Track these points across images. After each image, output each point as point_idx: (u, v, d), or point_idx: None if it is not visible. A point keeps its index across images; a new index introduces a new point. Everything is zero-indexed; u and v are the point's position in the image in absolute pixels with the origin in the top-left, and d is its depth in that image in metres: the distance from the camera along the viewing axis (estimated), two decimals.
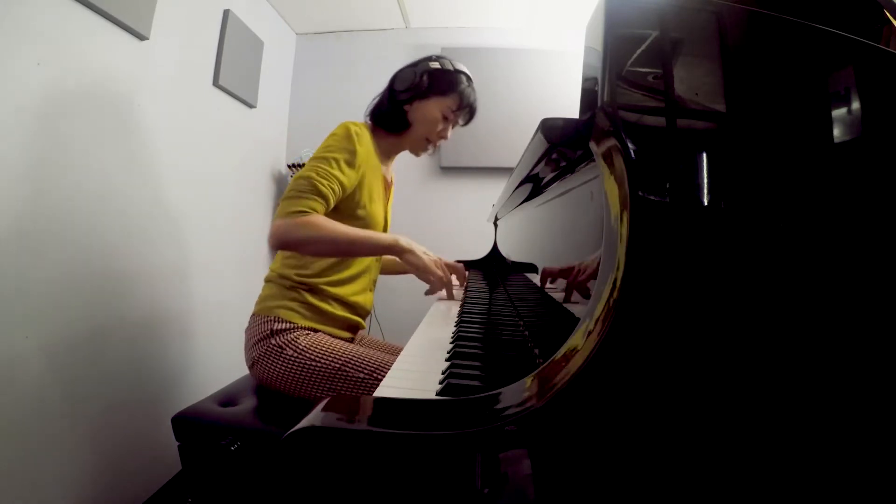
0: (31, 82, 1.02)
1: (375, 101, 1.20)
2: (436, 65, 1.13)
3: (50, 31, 1.05)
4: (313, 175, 0.98)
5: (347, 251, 1.07)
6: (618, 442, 0.32)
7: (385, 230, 1.21)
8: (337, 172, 1.01)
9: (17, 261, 1.00)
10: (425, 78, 1.12)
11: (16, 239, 0.99)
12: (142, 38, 1.32)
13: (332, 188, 0.99)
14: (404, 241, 1.06)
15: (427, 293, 1.18)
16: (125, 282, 1.31)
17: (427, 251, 1.11)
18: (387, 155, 1.22)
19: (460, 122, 1.20)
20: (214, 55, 1.72)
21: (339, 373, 0.97)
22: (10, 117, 0.97)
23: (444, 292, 1.24)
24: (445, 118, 1.15)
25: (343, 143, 1.04)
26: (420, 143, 1.19)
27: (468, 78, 1.16)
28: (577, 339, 0.34)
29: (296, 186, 0.98)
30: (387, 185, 1.22)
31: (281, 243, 0.97)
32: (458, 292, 1.35)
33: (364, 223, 1.09)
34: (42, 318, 1.06)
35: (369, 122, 1.19)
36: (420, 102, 1.13)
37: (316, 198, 0.97)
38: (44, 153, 1.05)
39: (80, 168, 1.15)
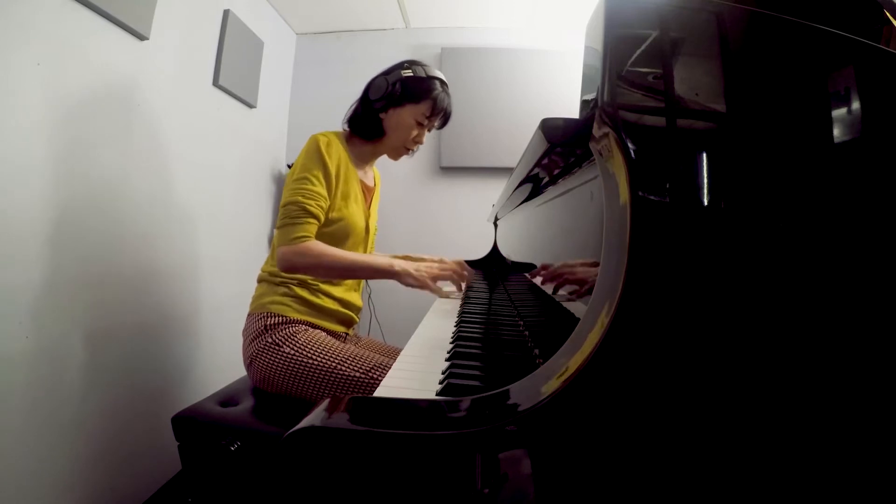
0: (31, 82, 1.02)
1: (351, 109, 1.21)
2: (408, 72, 1.14)
3: (50, 31, 1.05)
4: (300, 199, 1.03)
5: (347, 275, 1.15)
6: (619, 442, 0.32)
7: (367, 233, 1.22)
8: (318, 189, 1.05)
9: (17, 260, 1.00)
10: (398, 86, 1.12)
11: (15, 238, 0.99)
12: (142, 38, 1.32)
13: (319, 206, 1.05)
14: (398, 265, 1.11)
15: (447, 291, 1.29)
16: (124, 282, 1.30)
17: (419, 267, 1.13)
18: (364, 161, 1.23)
19: (435, 126, 1.21)
20: (214, 55, 1.71)
21: (335, 371, 0.98)
22: (10, 117, 0.97)
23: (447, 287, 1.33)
24: (420, 124, 1.16)
25: (314, 158, 1.07)
26: (397, 149, 1.20)
27: (442, 83, 1.17)
28: (578, 340, 0.34)
29: (288, 214, 1.03)
30: (366, 190, 1.23)
31: (291, 269, 1.04)
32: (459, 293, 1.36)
33: (340, 226, 1.11)
34: (42, 319, 1.06)
35: (346, 130, 1.21)
36: (394, 110, 1.14)
37: (309, 220, 1.03)
38: (43, 153, 1.05)
39: (79, 168, 1.15)
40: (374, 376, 0.96)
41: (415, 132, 1.17)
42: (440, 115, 1.18)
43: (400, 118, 1.15)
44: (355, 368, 0.97)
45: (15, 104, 0.98)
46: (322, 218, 1.07)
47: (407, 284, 1.12)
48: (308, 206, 1.03)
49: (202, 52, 1.66)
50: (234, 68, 1.80)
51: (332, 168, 1.08)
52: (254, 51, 1.96)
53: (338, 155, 1.11)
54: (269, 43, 2.08)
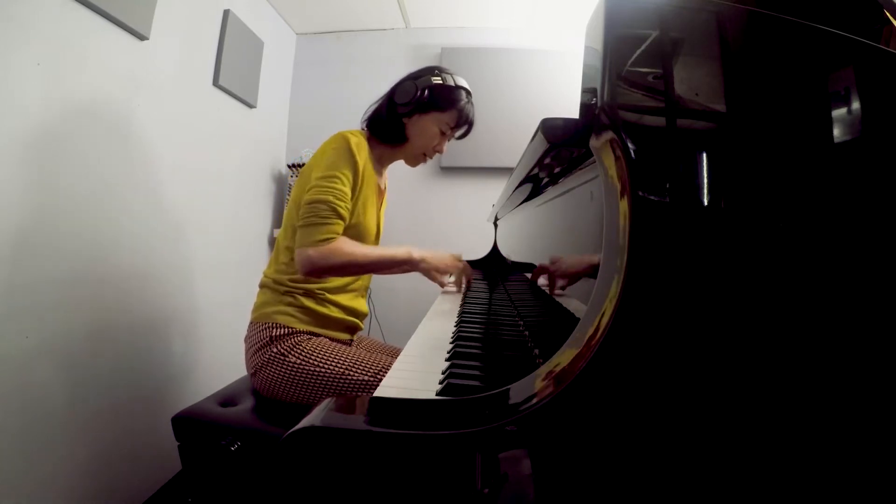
0: (31, 82, 1.02)
1: (373, 109, 1.18)
2: (438, 80, 1.11)
3: (50, 31, 1.05)
4: (331, 199, 1.00)
5: (371, 270, 1.13)
6: (620, 442, 0.32)
7: (377, 236, 1.22)
8: (347, 189, 1.03)
9: (17, 260, 1.00)
10: (426, 93, 1.10)
11: (15, 238, 0.99)
12: (142, 38, 1.32)
13: (347, 207, 1.03)
14: (416, 253, 1.13)
15: (444, 285, 1.34)
16: (124, 281, 1.30)
17: (435, 253, 1.19)
18: (381, 163, 1.22)
19: (457, 135, 1.20)
20: (214, 55, 1.71)
21: (344, 377, 0.97)
22: (10, 117, 0.97)
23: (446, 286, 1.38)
24: (442, 133, 1.15)
25: (346, 157, 1.04)
26: (416, 156, 1.19)
27: (468, 93, 1.15)
28: (578, 340, 0.34)
29: (315, 212, 0.99)
30: (380, 193, 1.22)
31: (315, 272, 0.99)
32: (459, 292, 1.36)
33: (356, 230, 1.10)
34: (42, 318, 1.06)
35: (366, 130, 1.18)
36: (419, 117, 1.12)
37: (337, 221, 1.01)
38: (44, 153, 1.05)
39: (79, 168, 1.15)
40: (383, 378, 0.94)
41: (436, 141, 1.15)
42: (465, 125, 1.16)
43: (424, 125, 1.13)
44: (363, 372, 0.96)
45: (15, 104, 0.98)
46: (347, 219, 1.04)
47: (422, 270, 1.17)
48: (338, 207, 1.00)
49: (202, 52, 1.66)
50: (234, 68, 1.80)
51: (360, 170, 1.06)
52: (254, 51, 1.96)
53: (365, 157, 1.09)
54: (269, 43, 2.08)
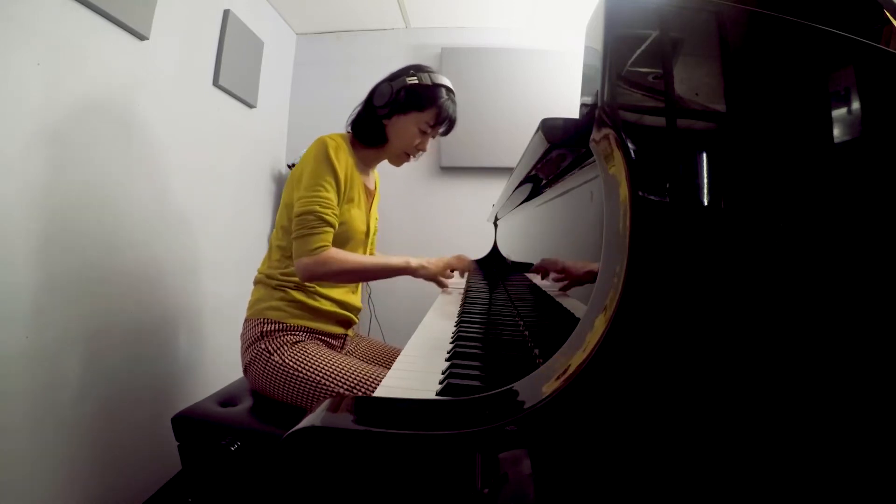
0: (31, 82, 1.02)
1: (355, 113, 1.19)
2: (413, 80, 1.11)
3: (50, 31, 1.05)
4: (317, 208, 1.03)
5: (367, 278, 1.19)
6: (620, 442, 0.32)
7: (367, 236, 1.22)
8: (331, 195, 1.05)
9: (17, 260, 1.00)
10: (403, 93, 1.10)
11: (14, 239, 0.99)
12: (142, 38, 1.32)
13: (334, 213, 1.05)
14: (414, 261, 1.17)
15: (443, 291, 1.39)
16: (124, 281, 1.30)
17: (430, 259, 1.23)
18: (367, 165, 1.22)
19: (439, 132, 1.19)
20: (214, 55, 1.71)
21: (320, 386, 0.96)
22: (10, 117, 0.97)
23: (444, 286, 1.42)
24: (423, 132, 1.15)
25: (324, 164, 1.06)
26: (399, 156, 1.19)
27: (448, 90, 1.14)
28: (578, 340, 0.34)
29: (305, 223, 1.02)
30: (368, 193, 1.22)
31: (314, 279, 1.06)
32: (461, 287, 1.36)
33: (341, 231, 1.10)
34: (42, 318, 1.06)
35: (350, 133, 1.20)
36: (398, 117, 1.13)
37: (327, 229, 1.04)
38: (44, 153, 1.05)
39: (79, 168, 1.15)
40: (361, 392, 0.94)
41: (418, 140, 1.15)
42: (445, 123, 1.16)
43: (404, 125, 1.13)
44: (340, 384, 0.95)
45: (15, 104, 0.98)
46: (336, 225, 1.06)
47: (422, 277, 1.21)
48: (325, 216, 1.02)
49: (202, 52, 1.66)
50: (234, 68, 1.80)
51: (340, 174, 1.07)
52: (254, 51, 1.96)
53: (345, 160, 1.10)
54: (269, 43, 2.08)
